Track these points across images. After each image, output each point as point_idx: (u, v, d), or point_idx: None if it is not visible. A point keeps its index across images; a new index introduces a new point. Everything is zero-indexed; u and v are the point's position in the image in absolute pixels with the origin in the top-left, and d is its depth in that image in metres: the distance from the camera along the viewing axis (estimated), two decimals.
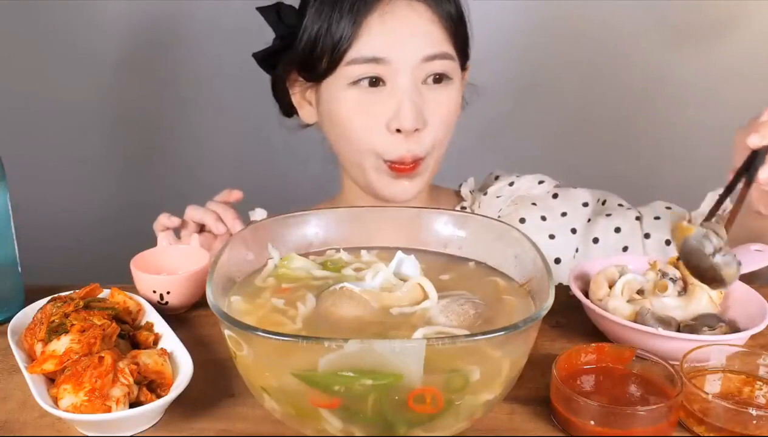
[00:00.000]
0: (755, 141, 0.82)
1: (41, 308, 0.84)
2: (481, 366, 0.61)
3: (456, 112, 1.09)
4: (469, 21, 1.10)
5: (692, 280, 0.86)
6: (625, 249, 1.13)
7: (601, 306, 0.86)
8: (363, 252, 0.82)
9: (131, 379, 0.72)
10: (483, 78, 1.16)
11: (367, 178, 1.09)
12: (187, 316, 0.94)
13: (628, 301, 0.86)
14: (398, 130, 1.03)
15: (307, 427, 0.65)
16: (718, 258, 0.77)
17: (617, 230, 1.14)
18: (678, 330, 0.82)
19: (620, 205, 1.20)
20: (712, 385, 0.76)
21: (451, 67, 1.06)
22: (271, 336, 0.60)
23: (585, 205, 1.19)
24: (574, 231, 1.16)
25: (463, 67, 1.11)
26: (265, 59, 1.14)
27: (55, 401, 0.71)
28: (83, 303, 0.83)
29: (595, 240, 1.15)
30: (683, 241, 0.78)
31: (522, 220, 1.16)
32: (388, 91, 1.03)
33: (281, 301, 0.72)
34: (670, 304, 0.85)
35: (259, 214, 1.24)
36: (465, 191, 1.24)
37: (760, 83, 1.76)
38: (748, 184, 0.83)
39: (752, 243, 0.95)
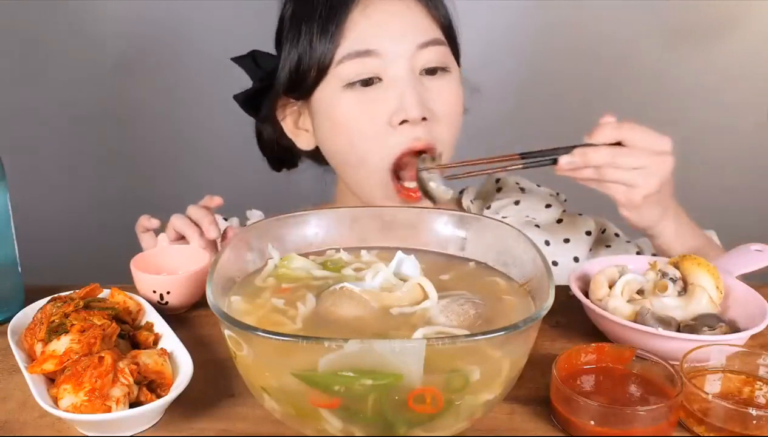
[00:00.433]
0: (563, 163, 0.93)
1: (41, 308, 0.84)
2: (481, 366, 0.61)
3: (460, 104, 1.06)
4: (455, 14, 1.08)
5: (692, 280, 0.87)
6: None
7: (601, 306, 0.86)
8: (363, 252, 0.82)
9: (131, 379, 0.72)
10: (483, 79, 1.16)
11: (373, 195, 1.05)
12: (187, 316, 0.94)
13: (628, 301, 0.86)
14: (403, 123, 0.99)
15: (307, 427, 0.65)
16: (424, 174, 0.99)
17: None
18: (678, 330, 0.82)
19: (617, 234, 1.20)
20: (712, 385, 0.76)
21: (446, 54, 1.04)
22: (271, 336, 0.60)
23: (588, 233, 1.18)
24: (576, 259, 1.15)
25: (458, 64, 1.09)
26: (248, 101, 1.12)
27: (55, 401, 0.71)
28: (83, 303, 0.83)
29: None
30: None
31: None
32: (385, 86, 1.01)
33: (281, 301, 0.72)
34: (670, 304, 0.85)
35: (255, 215, 1.24)
36: (466, 202, 1.22)
37: (760, 83, 1.76)
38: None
39: (752, 244, 0.96)
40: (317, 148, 1.12)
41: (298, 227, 0.82)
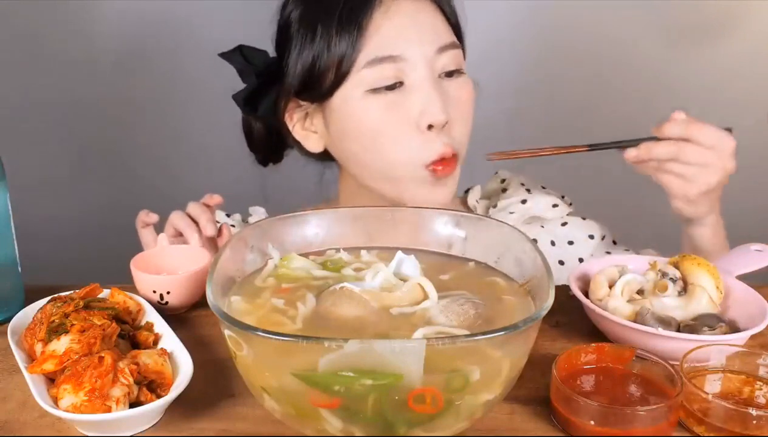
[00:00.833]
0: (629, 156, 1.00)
1: (41, 308, 0.84)
2: (481, 366, 0.61)
3: (473, 105, 1.07)
4: (465, 18, 1.09)
5: (692, 280, 0.87)
6: None
7: (601, 306, 0.86)
8: (363, 252, 0.82)
9: (131, 379, 0.72)
10: (483, 78, 1.16)
11: (402, 189, 1.05)
12: (187, 316, 0.94)
13: (628, 301, 0.86)
14: (429, 127, 1.00)
15: (307, 427, 0.65)
16: None
17: None
18: (678, 330, 0.82)
19: (614, 242, 1.21)
20: (712, 385, 0.76)
21: (460, 56, 1.05)
22: (271, 336, 0.60)
23: (591, 237, 1.19)
24: (581, 260, 1.16)
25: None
26: (248, 100, 1.11)
27: (55, 401, 0.71)
28: (83, 303, 0.83)
29: None
30: None
31: (534, 242, 1.16)
32: (408, 89, 1.00)
33: (281, 301, 0.72)
34: (670, 304, 0.85)
35: (258, 211, 1.24)
36: (472, 201, 1.22)
37: (760, 83, 1.76)
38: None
39: (752, 244, 0.96)
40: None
41: (298, 227, 0.82)
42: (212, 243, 1.04)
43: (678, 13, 1.77)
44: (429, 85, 1.00)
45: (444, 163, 1.02)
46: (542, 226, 1.18)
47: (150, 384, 0.74)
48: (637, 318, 0.83)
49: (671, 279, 0.87)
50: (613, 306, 0.85)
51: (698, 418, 0.71)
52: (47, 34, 1.75)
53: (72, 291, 0.87)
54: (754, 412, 0.69)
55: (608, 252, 1.18)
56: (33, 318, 0.83)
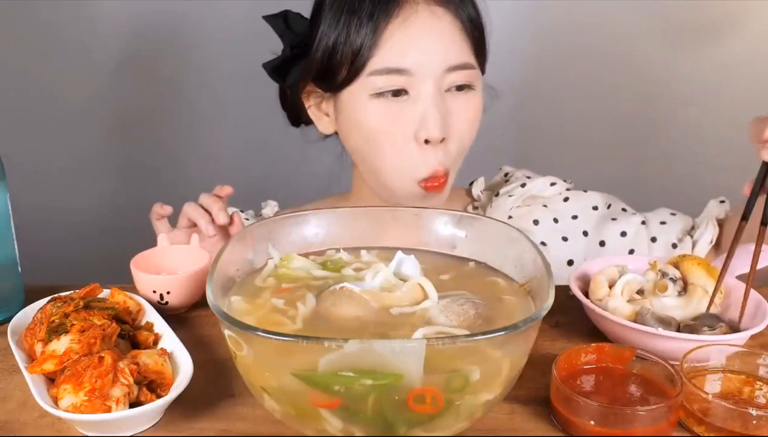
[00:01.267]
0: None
1: (41, 308, 0.84)
2: (481, 366, 0.61)
3: (478, 120, 1.07)
4: (490, 22, 1.08)
5: (692, 280, 0.86)
6: (631, 252, 1.14)
7: (601, 306, 0.86)
8: (363, 252, 0.82)
9: (131, 379, 0.72)
10: (484, 78, 1.16)
11: (390, 196, 1.08)
12: (187, 316, 0.94)
13: (628, 301, 0.86)
14: (426, 142, 1.01)
15: (307, 427, 0.65)
16: None
17: (623, 234, 1.15)
18: (678, 330, 0.82)
19: (624, 209, 1.20)
20: (712, 385, 0.76)
21: (473, 76, 1.05)
22: (271, 336, 0.60)
23: (594, 208, 1.19)
24: (585, 233, 1.17)
25: (483, 71, 1.10)
26: (277, 69, 1.12)
27: (55, 401, 0.71)
28: (83, 303, 0.83)
29: (602, 244, 1.15)
30: None
31: (536, 222, 1.16)
32: (413, 99, 1.01)
33: (281, 301, 0.72)
34: (670, 304, 0.85)
35: (270, 205, 1.25)
36: (476, 191, 1.24)
37: (760, 83, 1.76)
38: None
39: (752, 244, 0.95)
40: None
41: (298, 227, 0.82)
42: (224, 232, 1.06)
43: (678, 13, 1.76)
44: (431, 101, 1.01)
45: (435, 180, 1.04)
46: (545, 205, 1.18)
47: (150, 384, 0.74)
48: (637, 318, 0.83)
49: (671, 279, 0.87)
50: (613, 306, 0.85)
51: (698, 418, 0.71)
52: (50, 32, 1.75)
53: (72, 291, 0.87)
54: (754, 412, 0.69)
55: (614, 219, 1.17)
56: (33, 318, 0.83)
